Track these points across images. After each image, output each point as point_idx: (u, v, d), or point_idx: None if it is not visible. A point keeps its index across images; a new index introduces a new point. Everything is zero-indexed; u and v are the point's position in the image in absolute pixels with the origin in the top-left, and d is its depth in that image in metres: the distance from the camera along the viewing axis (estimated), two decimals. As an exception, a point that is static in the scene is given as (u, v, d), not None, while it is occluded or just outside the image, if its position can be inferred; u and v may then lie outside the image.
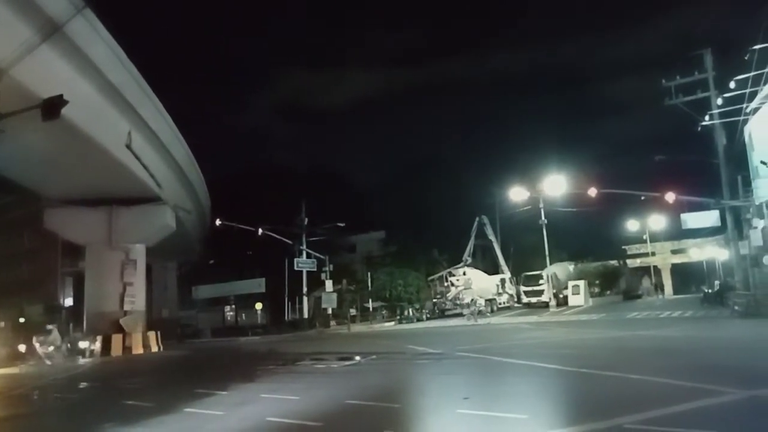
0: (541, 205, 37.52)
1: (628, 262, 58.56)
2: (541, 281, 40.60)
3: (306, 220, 42.03)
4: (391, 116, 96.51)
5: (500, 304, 41.91)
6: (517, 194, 37.18)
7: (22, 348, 28.86)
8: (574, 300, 39.62)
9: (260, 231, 38.32)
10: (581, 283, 41.57)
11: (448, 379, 11.13)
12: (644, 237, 57.05)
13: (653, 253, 57.64)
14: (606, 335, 18.71)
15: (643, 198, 29.55)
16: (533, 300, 40.56)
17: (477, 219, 45.22)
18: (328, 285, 40.12)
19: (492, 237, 45.99)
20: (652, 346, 15.20)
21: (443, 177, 55.10)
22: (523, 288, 42.34)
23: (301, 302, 43.32)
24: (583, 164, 44.37)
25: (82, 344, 28.27)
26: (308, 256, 41.20)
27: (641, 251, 58.89)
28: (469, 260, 43.81)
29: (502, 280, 43.80)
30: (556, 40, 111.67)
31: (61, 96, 15.60)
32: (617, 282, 52.40)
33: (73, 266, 44.57)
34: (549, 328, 24.04)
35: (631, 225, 56.75)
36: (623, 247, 59.87)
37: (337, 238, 48.57)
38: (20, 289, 51.71)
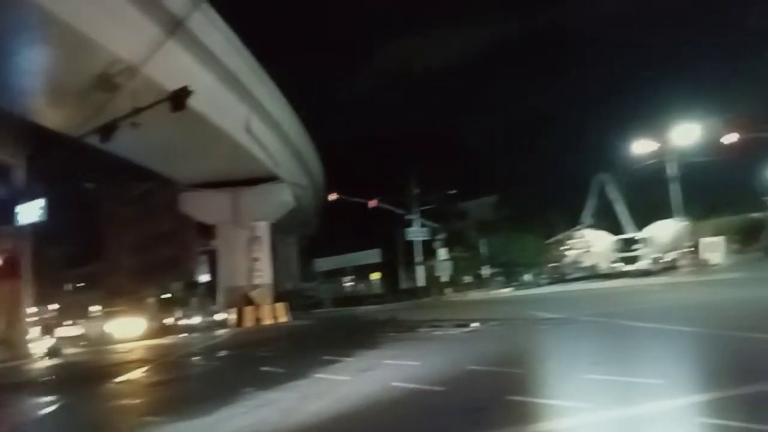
0: (670, 157, 34.51)
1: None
2: (635, 246, 36.54)
3: (416, 189, 42.30)
4: (498, 75, 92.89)
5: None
6: (642, 147, 34.74)
7: (168, 321, 32.15)
8: (711, 258, 36.45)
9: (372, 203, 39.21)
10: (718, 239, 38.10)
11: (574, 344, 10.69)
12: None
13: (803, 203, 51.28)
14: (748, 295, 17.01)
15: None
16: (629, 268, 35.90)
17: (597, 177, 42.80)
18: (442, 253, 40.27)
19: (614, 195, 43.33)
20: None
21: (558, 135, 52.76)
22: (617, 254, 38.07)
23: (415, 271, 43.93)
24: (720, 107, 39.62)
25: (219, 316, 30.91)
26: (420, 225, 41.52)
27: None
28: (590, 221, 41.79)
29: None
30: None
31: (186, 87, 16.78)
32: (761, 237, 47.38)
33: (206, 245, 48.48)
34: (682, 288, 22.38)
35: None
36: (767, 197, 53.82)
37: (449, 205, 48.42)
38: (163, 268, 57.43)
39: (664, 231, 37.82)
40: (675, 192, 34.36)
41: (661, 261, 35.99)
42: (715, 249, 36.98)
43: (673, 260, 36.46)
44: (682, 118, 33.36)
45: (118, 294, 56.22)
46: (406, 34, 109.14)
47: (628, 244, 37.43)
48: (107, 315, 30.36)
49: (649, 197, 42.69)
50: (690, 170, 36.18)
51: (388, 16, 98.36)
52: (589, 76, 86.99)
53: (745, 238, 46.66)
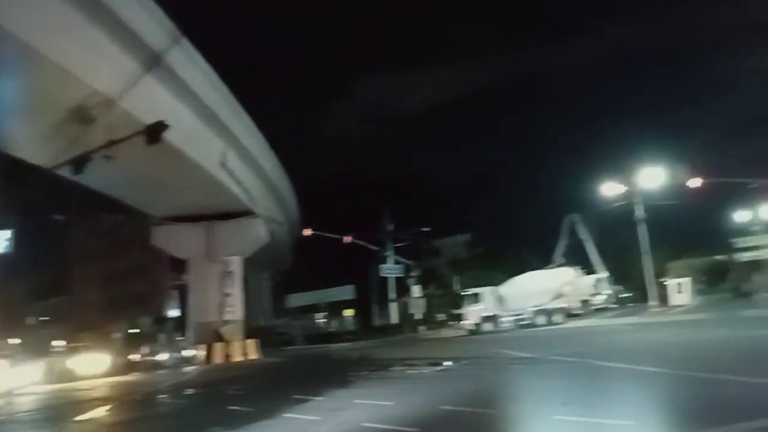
0: (637, 200, 35.46)
1: (738, 256, 54.06)
2: (469, 302, 33.85)
3: (391, 226, 42.49)
4: (471, 117, 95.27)
5: (596, 305, 40.01)
6: (610, 189, 35.66)
7: (134, 357, 31.22)
8: (677, 299, 37.16)
9: (347, 239, 39.21)
10: (685, 280, 38.93)
11: (544, 384, 10.77)
12: (757, 228, 52.49)
13: (768, 246, 52.88)
14: (716, 336, 17.35)
15: (753, 185, 27.32)
16: (464, 324, 33.80)
17: (567, 217, 43.59)
18: (415, 290, 40.25)
19: (585, 236, 44.11)
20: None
21: (529, 176, 53.99)
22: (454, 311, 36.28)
23: (389, 308, 43.73)
24: (685, 152, 41.16)
25: (188, 353, 30.15)
26: (394, 261, 41.55)
27: (753, 243, 54.21)
28: (562, 260, 42.34)
29: (598, 280, 41.87)
30: (654, 15, 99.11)
31: (162, 121, 16.81)
32: (726, 278, 48.58)
33: (177, 280, 47.60)
34: (650, 329, 22.68)
35: (741, 216, 52.45)
36: (732, 240, 55.45)
37: (423, 242, 48.67)
38: (132, 303, 56.10)
39: (530, 284, 34.62)
40: (642, 233, 35.16)
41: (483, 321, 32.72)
42: (681, 290, 37.68)
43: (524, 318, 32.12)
44: (648, 162, 34.48)
45: (83, 328, 54.53)
46: (383, 74, 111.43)
47: (468, 300, 34.09)
48: (71, 350, 29.21)
49: (618, 238, 43.66)
50: (657, 212, 37.18)
51: (366, 55, 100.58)
52: (562, 120, 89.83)
53: (711, 279, 47.87)
